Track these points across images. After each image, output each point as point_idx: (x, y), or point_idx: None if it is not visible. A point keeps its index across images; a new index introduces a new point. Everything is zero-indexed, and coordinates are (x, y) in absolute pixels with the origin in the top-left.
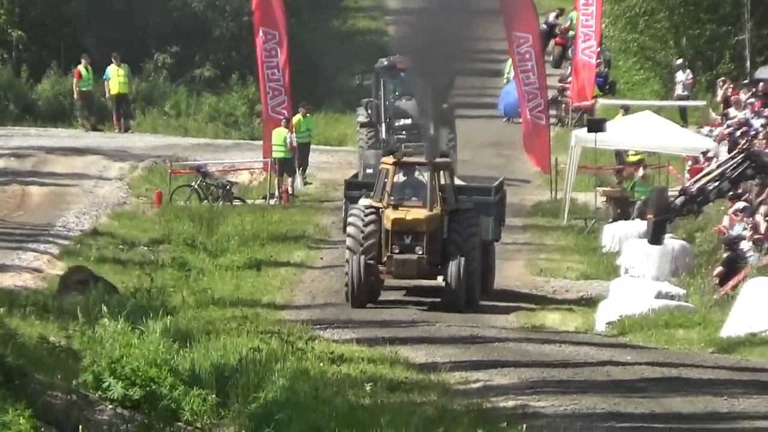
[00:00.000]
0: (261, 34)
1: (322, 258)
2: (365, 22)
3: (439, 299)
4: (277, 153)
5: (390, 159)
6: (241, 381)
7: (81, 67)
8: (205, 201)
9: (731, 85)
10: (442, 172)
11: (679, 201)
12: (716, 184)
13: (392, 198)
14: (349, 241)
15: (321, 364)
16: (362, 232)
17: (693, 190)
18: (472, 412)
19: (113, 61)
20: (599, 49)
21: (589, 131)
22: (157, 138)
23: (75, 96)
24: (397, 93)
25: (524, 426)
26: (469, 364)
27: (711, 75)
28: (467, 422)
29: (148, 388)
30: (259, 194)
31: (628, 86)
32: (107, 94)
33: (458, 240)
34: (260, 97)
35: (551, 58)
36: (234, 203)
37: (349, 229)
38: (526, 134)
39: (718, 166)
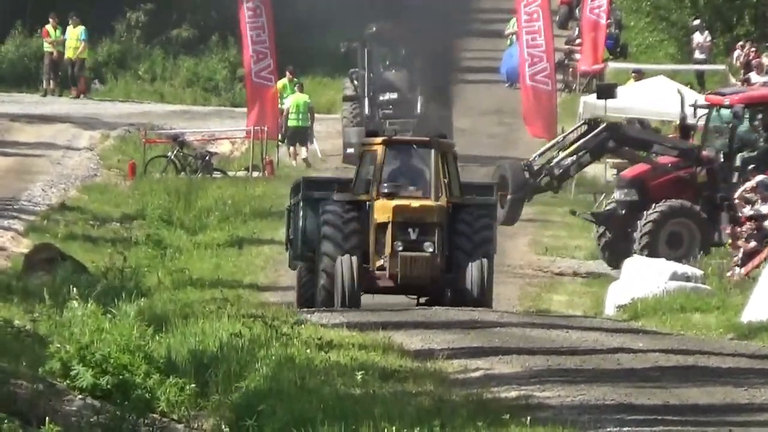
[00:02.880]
0: None
1: None
2: None
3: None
4: (293, 121)
5: (378, 139)
6: (221, 369)
7: (49, 27)
8: (183, 173)
9: (753, 48)
10: (446, 154)
11: (540, 177)
12: (574, 158)
13: (384, 186)
14: (325, 245)
15: (308, 351)
16: (342, 231)
17: (536, 164)
18: (472, 403)
19: (69, 22)
20: (610, 8)
21: (598, 98)
22: (131, 104)
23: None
24: (387, 63)
25: (528, 418)
26: (469, 351)
27: (730, 37)
28: (466, 414)
29: (120, 377)
30: (241, 166)
31: (640, 49)
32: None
33: (470, 235)
34: (243, 61)
35: (557, 18)
36: (214, 175)
37: (325, 230)
38: (525, 102)
39: (577, 139)
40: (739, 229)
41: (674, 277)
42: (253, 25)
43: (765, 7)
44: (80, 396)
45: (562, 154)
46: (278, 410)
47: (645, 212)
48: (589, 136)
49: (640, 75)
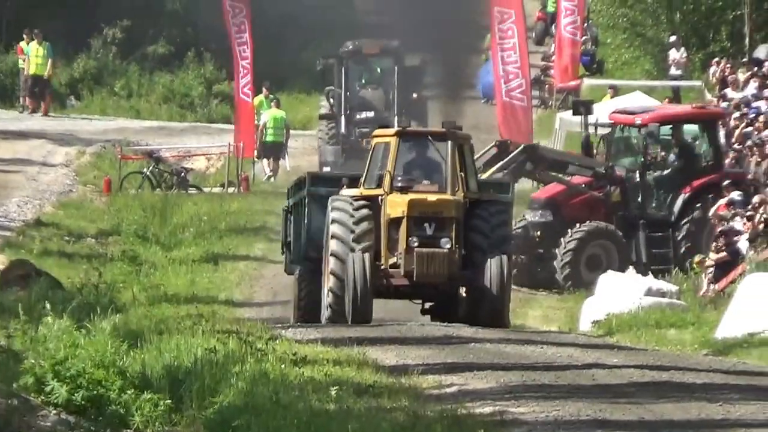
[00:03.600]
0: (228, 7)
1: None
2: None
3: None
4: (270, 136)
5: (391, 130)
6: (195, 384)
7: (23, 43)
8: (158, 189)
9: (728, 64)
10: (462, 147)
11: None
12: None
13: (398, 179)
14: (334, 245)
15: (282, 367)
16: (353, 231)
17: None
18: (446, 418)
19: (34, 38)
20: (585, 25)
21: (574, 114)
22: (107, 121)
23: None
24: (362, 81)
25: None
26: (443, 366)
27: (706, 53)
28: (441, 429)
29: (95, 392)
30: (217, 182)
31: (617, 65)
32: (25, 73)
33: (487, 232)
34: (234, 77)
35: (533, 34)
36: (189, 191)
37: (334, 228)
38: (501, 118)
39: (490, 161)
40: (714, 245)
41: (649, 292)
42: (239, 41)
43: (741, 23)
44: (55, 411)
45: (483, 177)
46: (252, 426)
47: (562, 234)
48: (509, 158)
49: (616, 91)
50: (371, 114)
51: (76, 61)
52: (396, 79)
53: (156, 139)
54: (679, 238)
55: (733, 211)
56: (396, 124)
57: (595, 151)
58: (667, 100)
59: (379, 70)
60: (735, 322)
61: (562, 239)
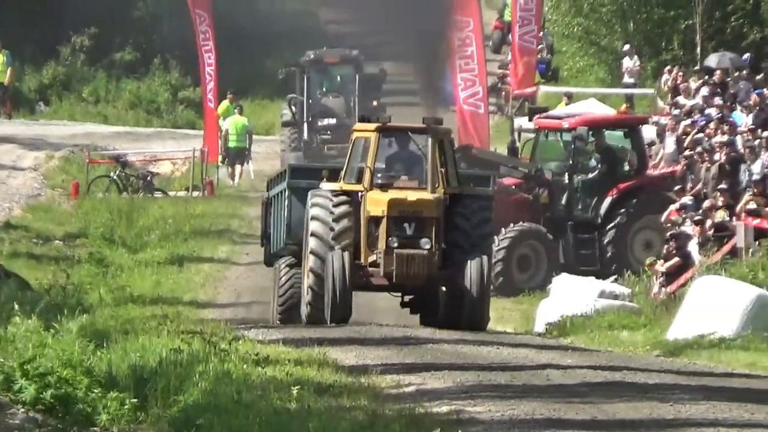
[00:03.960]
0: (194, 15)
1: (247, 254)
2: (294, 3)
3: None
4: (233, 142)
5: (371, 125)
6: (160, 384)
7: None
8: (125, 193)
9: (680, 72)
10: (442, 142)
11: None
12: None
13: (378, 176)
14: (313, 243)
15: (245, 366)
16: (332, 229)
17: None
18: (404, 417)
19: None
20: (541, 33)
21: (530, 120)
22: (75, 126)
23: None
24: (323, 89)
25: None
26: (402, 366)
27: (659, 61)
28: (399, 428)
29: (62, 391)
30: (182, 186)
31: (571, 73)
32: None
33: (468, 231)
34: (201, 83)
35: (490, 43)
36: (155, 195)
37: (313, 226)
38: (460, 124)
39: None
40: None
41: (602, 295)
42: (205, 48)
43: (692, 33)
44: (23, 409)
45: None
46: (216, 424)
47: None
48: None
49: (570, 98)
50: (333, 121)
51: (45, 67)
52: (356, 87)
53: (123, 144)
54: (605, 240)
55: (684, 216)
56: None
57: (520, 154)
58: (625, 106)
59: (339, 78)
60: (686, 324)
61: (495, 238)
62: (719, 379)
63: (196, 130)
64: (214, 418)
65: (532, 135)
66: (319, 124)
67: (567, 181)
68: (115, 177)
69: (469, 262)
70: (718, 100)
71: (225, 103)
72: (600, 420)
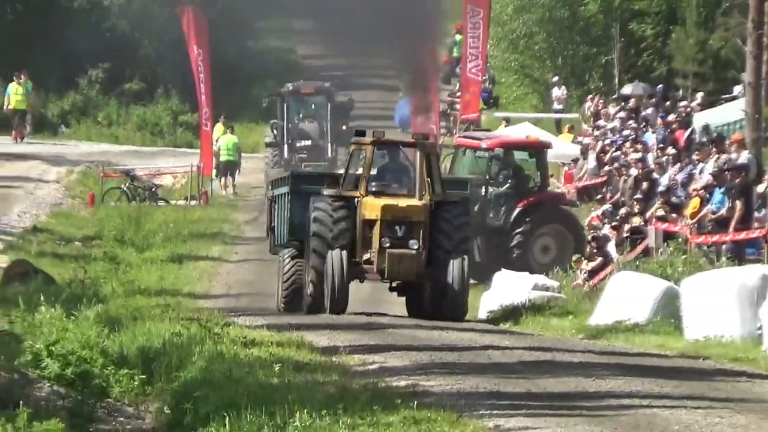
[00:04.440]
0: (193, 52)
1: (236, 253)
2: (276, 41)
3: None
4: (225, 156)
5: (367, 139)
6: (164, 362)
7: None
8: (133, 201)
9: (601, 100)
10: (429, 155)
11: None
12: None
13: (373, 185)
14: (314, 242)
15: (235, 348)
16: (331, 230)
17: None
18: (369, 390)
19: (14, 79)
20: (485, 67)
21: None
22: (91, 145)
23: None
24: (300, 116)
25: (415, 403)
26: (367, 348)
27: (583, 90)
28: (365, 400)
29: (81, 368)
30: (181, 196)
31: (509, 100)
32: (6, 108)
33: (450, 234)
34: (198, 109)
35: (441, 74)
36: (159, 204)
37: (315, 227)
38: None
39: None
40: (588, 248)
41: (536, 287)
42: (201, 79)
43: (611, 66)
44: (48, 384)
45: None
46: (210, 396)
47: None
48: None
49: (508, 122)
50: (309, 142)
51: (66, 96)
52: (328, 113)
53: (131, 160)
54: (511, 244)
55: (604, 221)
56: (329, 151)
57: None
58: (568, 127)
59: (314, 106)
60: (606, 311)
61: None
62: (634, 358)
63: (193, 149)
64: (209, 391)
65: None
66: (297, 145)
67: (483, 192)
68: (125, 188)
69: (451, 261)
70: (632, 123)
71: (219, 126)
72: (533, 393)
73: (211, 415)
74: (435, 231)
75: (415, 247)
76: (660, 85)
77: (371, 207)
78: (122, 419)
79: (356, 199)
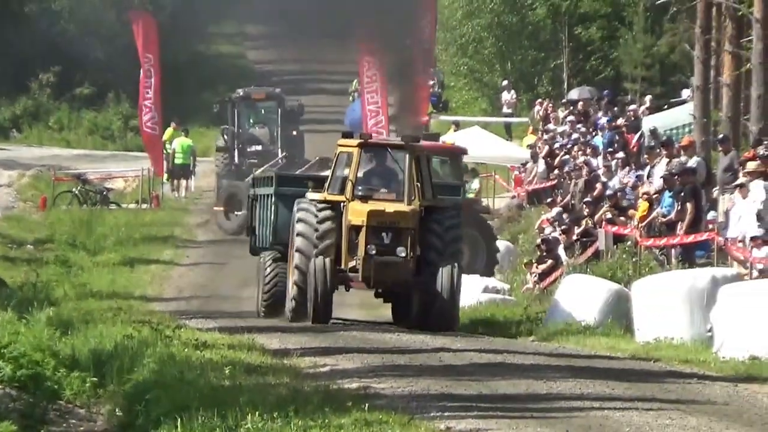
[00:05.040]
0: (143, 58)
1: (188, 256)
2: (227, 47)
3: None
4: (179, 159)
5: (353, 141)
6: (115, 364)
7: None
8: (85, 205)
9: (550, 104)
10: (419, 157)
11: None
12: None
13: (359, 189)
14: (299, 242)
15: (186, 350)
16: (316, 230)
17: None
18: (321, 393)
19: None
20: (433, 71)
21: None
22: (43, 149)
23: None
24: (251, 121)
25: (366, 405)
26: (318, 350)
27: (532, 95)
28: (316, 402)
29: (33, 371)
30: (133, 199)
31: (459, 104)
32: None
33: (439, 242)
34: (139, 113)
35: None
36: (110, 207)
37: (299, 227)
38: None
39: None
40: (537, 250)
41: (486, 290)
42: (145, 85)
43: (560, 71)
44: (0, 387)
45: None
46: (162, 398)
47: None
48: (306, 166)
49: (458, 126)
50: (259, 147)
51: (17, 101)
52: (279, 118)
53: (83, 164)
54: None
55: (554, 224)
56: (279, 155)
57: None
58: (531, 129)
59: (264, 111)
60: (556, 314)
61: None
62: (584, 360)
63: (144, 152)
64: (161, 393)
65: None
66: (248, 150)
67: None
68: (76, 192)
69: (441, 269)
70: (581, 127)
71: (170, 130)
72: (485, 394)
73: (163, 417)
74: (424, 238)
75: (403, 254)
76: (606, 90)
77: (357, 212)
78: (74, 421)
79: (342, 204)
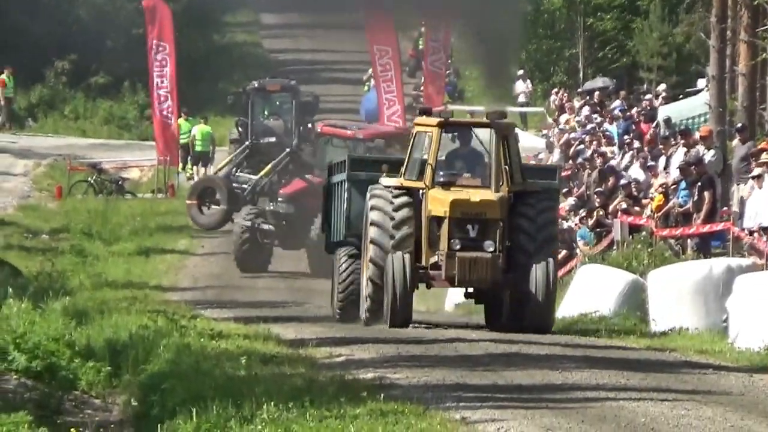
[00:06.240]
0: (153, 46)
1: (203, 246)
2: (242, 35)
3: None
4: (199, 146)
5: (432, 120)
6: (131, 354)
7: (4, 76)
8: (100, 195)
9: (565, 93)
10: (507, 137)
11: (246, 192)
12: (267, 179)
13: (440, 174)
14: (373, 232)
15: (202, 340)
16: (392, 219)
17: (238, 181)
18: (336, 383)
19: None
20: (449, 61)
21: None
22: (58, 138)
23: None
24: (266, 113)
25: (382, 395)
26: (333, 340)
27: (548, 84)
28: (331, 392)
29: (48, 361)
30: (148, 189)
31: (474, 94)
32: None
33: (533, 233)
34: (151, 102)
35: (407, 68)
36: (126, 197)
37: (373, 215)
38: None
39: (272, 164)
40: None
41: None
42: (159, 73)
43: (576, 60)
44: (16, 377)
45: (261, 174)
46: (177, 388)
47: (299, 224)
48: (277, 159)
49: (473, 116)
50: (273, 139)
51: (33, 89)
52: (293, 111)
53: (98, 153)
54: None
55: (571, 214)
56: (293, 147)
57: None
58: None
59: (279, 103)
60: (571, 304)
61: (312, 228)
62: (600, 351)
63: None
64: (177, 383)
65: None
66: (261, 142)
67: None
68: (92, 181)
69: (534, 265)
70: (597, 117)
71: (180, 121)
72: (500, 385)
73: (178, 407)
74: (514, 230)
75: (491, 249)
76: (614, 80)
77: (438, 201)
78: (89, 412)
79: (420, 191)
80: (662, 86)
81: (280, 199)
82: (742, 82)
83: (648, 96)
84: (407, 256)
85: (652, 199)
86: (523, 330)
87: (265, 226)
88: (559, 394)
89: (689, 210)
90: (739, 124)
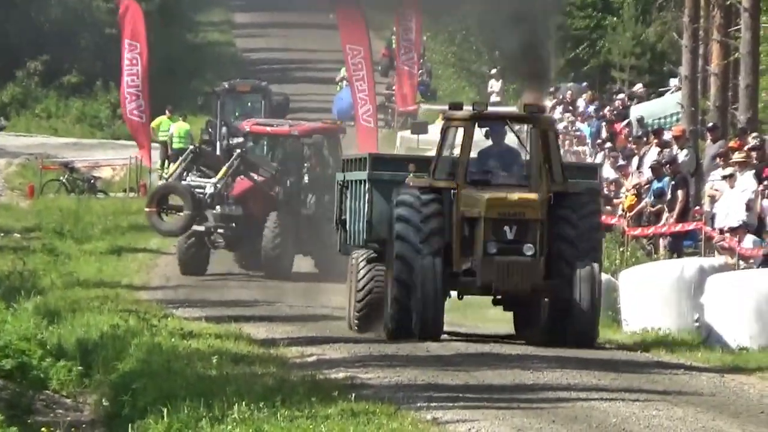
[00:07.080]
0: (126, 45)
1: (175, 245)
2: (215, 35)
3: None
4: (177, 144)
5: (464, 113)
6: (102, 354)
7: None
8: (72, 194)
9: None
10: (546, 132)
11: (206, 197)
12: (224, 180)
13: (473, 172)
14: (399, 247)
15: (173, 339)
16: (420, 232)
17: (195, 185)
18: (307, 382)
19: None
20: (421, 60)
21: (412, 133)
22: (30, 137)
23: None
24: (237, 114)
25: (353, 395)
26: (305, 340)
27: (520, 84)
28: (303, 392)
29: (19, 360)
30: (120, 188)
31: (446, 93)
32: None
33: (575, 235)
34: (120, 100)
35: (379, 67)
36: (98, 196)
37: (399, 229)
38: (360, 136)
39: (226, 166)
40: None
41: None
42: (129, 72)
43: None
44: None
45: (217, 178)
46: (149, 388)
47: (249, 225)
48: (231, 162)
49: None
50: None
51: (4, 88)
52: (264, 111)
53: (70, 152)
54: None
55: None
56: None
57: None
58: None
59: (249, 104)
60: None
61: (266, 227)
62: (571, 351)
63: (132, 141)
64: (148, 382)
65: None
66: (233, 142)
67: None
68: (64, 180)
69: (578, 271)
70: (569, 116)
71: (162, 117)
72: (471, 385)
73: (150, 406)
74: (555, 232)
75: (530, 252)
76: (584, 83)
77: (472, 201)
78: (61, 411)
79: (452, 191)
80: (639, 86)
81: (229, 200)
82: (714, 82)
83: (620, 95)
84: (438, 261)
85: (624, 198)
86: (564, 342)
87: (220, 230)
88: (531, 395)
89: (661, 209)
90: (710, 124)
